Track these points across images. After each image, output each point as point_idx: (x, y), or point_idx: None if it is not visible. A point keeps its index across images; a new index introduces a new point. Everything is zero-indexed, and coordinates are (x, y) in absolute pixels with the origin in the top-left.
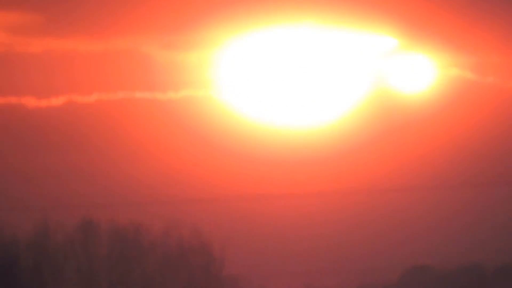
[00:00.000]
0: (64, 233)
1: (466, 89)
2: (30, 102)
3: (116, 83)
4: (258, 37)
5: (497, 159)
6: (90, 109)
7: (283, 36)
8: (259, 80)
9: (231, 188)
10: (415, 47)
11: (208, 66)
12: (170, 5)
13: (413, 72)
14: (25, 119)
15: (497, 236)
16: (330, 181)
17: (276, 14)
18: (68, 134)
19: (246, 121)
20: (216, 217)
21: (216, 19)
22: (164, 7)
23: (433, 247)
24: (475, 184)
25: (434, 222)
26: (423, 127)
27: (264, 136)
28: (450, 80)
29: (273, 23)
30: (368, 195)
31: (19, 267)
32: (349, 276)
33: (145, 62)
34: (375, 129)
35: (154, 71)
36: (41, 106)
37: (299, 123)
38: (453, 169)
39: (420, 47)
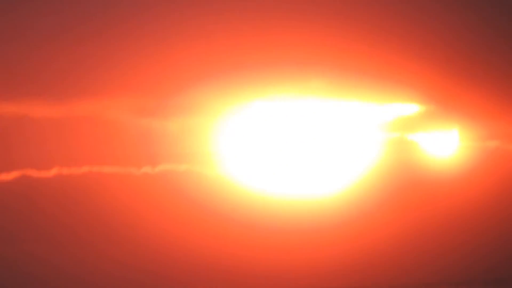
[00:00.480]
0: None
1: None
2: None
3: (79, 156)
4: (252, 105)
5: None
6: (48, 187)
7: (281, 105)
8: (249, 151)
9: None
10: (444, 115)
11: (190, 136)
12: (146, 61)
13: (442, 143)
14: None
15: None
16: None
17: (276, 80)
18: (21, 218)
19: (236, 195)
20: None
21: (203, 82)
22: (138, 64)
23: None
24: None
25: None
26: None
27: (258, 209)
28: (485, 153)
29: (271, 90)
30: None
31: None
32: None
33: (115, 131)
34: (394, 199)
35: (125, 142)
36: None
37: (296, 193)
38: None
39: (450, 115)
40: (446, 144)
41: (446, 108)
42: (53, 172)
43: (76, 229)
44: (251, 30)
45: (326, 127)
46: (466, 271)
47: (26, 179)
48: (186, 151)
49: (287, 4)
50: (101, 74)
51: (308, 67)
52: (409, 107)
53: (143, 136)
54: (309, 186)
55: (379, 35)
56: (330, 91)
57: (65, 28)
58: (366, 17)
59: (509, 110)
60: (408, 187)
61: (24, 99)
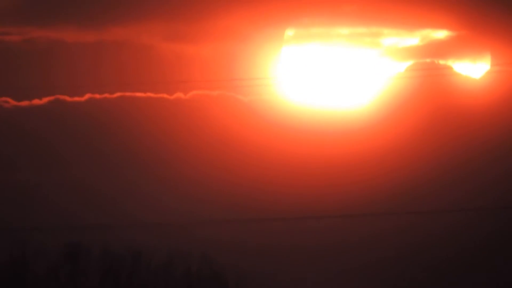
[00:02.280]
0: (46, 259)
1: None
2: (6, 102)
3: (112, 80)
4: (284, 31)
5: None
6: (81, 111)
7: (314, 31)
8: (282, 76)
9: (244, 209)
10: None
11: (223, 61)
12: None
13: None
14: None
15: None
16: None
17: (309, 7)
18: (52, 142)
19: (269, 124)
20: (229, 242)
21: (235, 7)
22: None
23: None
24: None
25: None
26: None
27: (291, 134)
28: None
29: (303, 16)
30: None
31: None
32: None
33: (147, 56)
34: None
35: (158, 67)
36: (21, 106)
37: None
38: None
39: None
40: (478, 68)
41: (478, 33)
42: (86, 96)
43: (108, 153)
44: None
45: (359, 52)
46: (499, 196)
47: (59, 103)
48: (219, 76)
49: None
50: (133, 1)
51: None
52: (441, 33)
53: (176, 61)
54: (341, 107)
55: None
56: (362, 18)
57: None
58: None
59: None
60: (442, 111)
61: (58, 24)
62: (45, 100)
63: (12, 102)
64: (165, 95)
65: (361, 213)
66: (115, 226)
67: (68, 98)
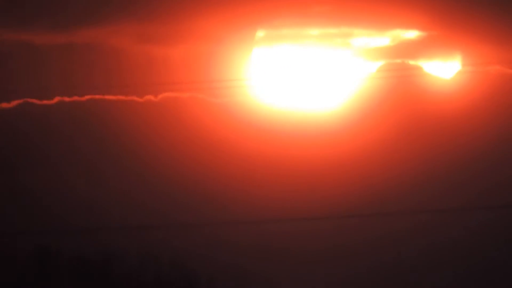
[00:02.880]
0: (15, 263)
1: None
2: None
3: (82, 83)
4: (250, 32)
5: None
6: (51, 114)
7: (283, 32)
8: (252, 79)
9: (218, 213)
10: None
11: (193, 63)
12: None
13: (447, 68)
14: None
15: None
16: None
17: (279, 7)
18: (21, 146)
19: (241, 126)
20: (202, 244)
21: (206, 8)
22: None
23: None
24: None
25: None
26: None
27: (259, 135)
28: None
29: (275, 17)
30: None
31: None
32: None
33: (117, 58)
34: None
35: (128, 69)
36: None
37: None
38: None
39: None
40: (449, 69)
41: (448, 34)
42: (55, 99)
43: (78, 156)
44: None
45: (330, 53)
46: (463, 198)
47: (29, 106)
48: (189, 78)
49: None
50: (103, 1)
51: None
52: (411, 33)
53: (146, 64)
54: (310, 106)
55: None
56: (333, 19)
57: None
58: None
59: (509, 36)
60: (412, 111)
61: (27, 27)
62: (14, 103)
63: None
64: (135, 98)
65: (331, 215)
66: (87, 229)
67: (37, 101)
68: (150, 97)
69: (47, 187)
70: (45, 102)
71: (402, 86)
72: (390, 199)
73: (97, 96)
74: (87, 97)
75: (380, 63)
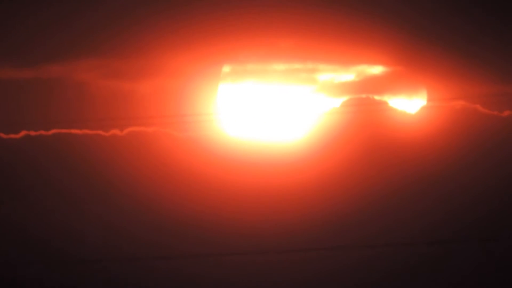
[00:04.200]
0: None
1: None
2: None
3: (48, 117)
4: (216, 67)
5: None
6: (16, 147)
7: (249, 67)
8: (217, 113)
9: (182, 247)
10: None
11: (159, 98)
12: (114, 23)
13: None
14: None
15: None
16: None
17: (243, 43)
18: None
19: (205, 160)
20: (167, 277)
21: (171, 43)
22: (106, 26)
23: None
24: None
25: None
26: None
27: (227, 167)
28: (456, 113)
29: (239, 53)
30: None
31: None
32: None
33: (83, 93)
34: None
35: (93, 104)
36: None
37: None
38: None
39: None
40: (414, 104)
41: (413, 69)
42: (21, 133)
43: (43, 190)
44: None
45: (295, 88)
46: (435, 231)
47: None
48: (155, 113)
49: None
50: (69, 36)
51: (275, 31)
52: (377, 69)
53: (112, 98)
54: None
55: None
56: (298, 54)
57: None
58: None
59: (473, 71)
60: (376, 146)
61: None
62: None
63: None
64: (101, 132)
65: (298, 248)
66: (48, 263)
67: (3, 135)
68: (115, 131)
69: (10, 222)
70: (11, 136)
71: (366, 120)
72: (344, 232)
73: (63, 130)
74: (53, 131)
75: (345, 98)
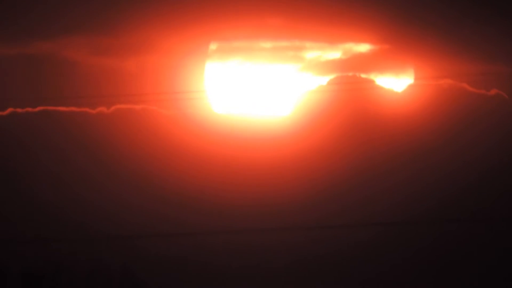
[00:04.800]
0: None
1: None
2: None
3: (35, 95)
4: (203, 44)
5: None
6: (3, 125)
7: (236, 44)
8: (204, 91)
9: (173, 222)
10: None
11: (146, 75)
12: (104, 0)
13: (399, 83)
14: None
15: None
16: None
17: (232, 19)
18: None
19: (192, 138)
20: (151, 254)
21: (159, 20)
22: (94, 3)
23: None
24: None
25: None
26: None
27: (212, 145)
28: (444, 92)
29: (227, 29)
30: None
31: None
32: None
33: (70, 70)
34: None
35: (81, 81)
36: None
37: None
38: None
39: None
40: (401, 82)
41: (401, 47)
42: (8, 110)
43: (30, 168)
44: None
45: (282, 66)
46: (413, 211)
47: None
48: (142, 90)
49: None
50: (57, 13)
51: (262, 10)
52: (364, 47)
53: (99, 75)
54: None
55: None
56: (285, 32)
57: None
58: None
59: (461, 50)
60: (363, 124)
61: None
62: None
63: None
64: (88, 109)
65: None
66: (36, 240)
67: None
68: (102, 108)
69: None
70: None
71: (353, 98)
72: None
73: (49, 108)
74: (40, 108)
75: (332, 76)
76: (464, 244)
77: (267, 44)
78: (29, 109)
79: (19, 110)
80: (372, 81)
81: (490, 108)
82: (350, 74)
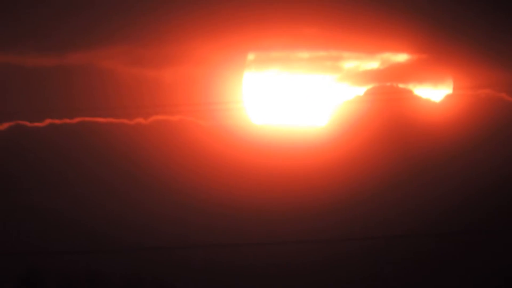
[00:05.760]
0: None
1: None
2: None
3: (72, 106)
4: (241, 54)
5: None
6: (40, 136)
7: (274, 55)
8: (242, 101)
9: (203, 236)
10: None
11: (184, 86)
12: (139, 11)
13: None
14: None
15: None
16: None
17: (269, 31)
18: (9, 167)
19: (230, 149)
20: (186, 268)
21: (197, 31)
22: (132, 14)
23: None
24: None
25: None
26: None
27: (250, 157)
28: (482, 102)
29: (264, 40)
30: None
31: None
32: None
33: (108, 81)
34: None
35: (118, 92)
36: None
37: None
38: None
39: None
40: (439, 92)
41: (439, 57)
42: (46, 121)
43: (69, 178)
44: None
45: (319, 75)
46: (458, 222)
47: (19, 129)
48: (179, 101)
49: None
50: (95, 23)
51: (299, 19)
52: (402, 56)
53: (136, 86)
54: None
55: None
56: (322, 41)
57: None
58: None
59: (500, 59)
60: (402, 134)
61: (17, 50)
62: (5, 125)
63: None
64: (125, 120)
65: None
66: (74, 251)
67: (28, 124)
68: (140, 119)
69: (37, 208)
70: (36, 124)
71: (391, 109)
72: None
73: (87, 119)
74: (77, 119)
75: (369, 86)
76: None
77: (305, 54)
78: (67, 120)
79: (57, 121)
80: (410, 91)
81: None
82: (388, 84)
